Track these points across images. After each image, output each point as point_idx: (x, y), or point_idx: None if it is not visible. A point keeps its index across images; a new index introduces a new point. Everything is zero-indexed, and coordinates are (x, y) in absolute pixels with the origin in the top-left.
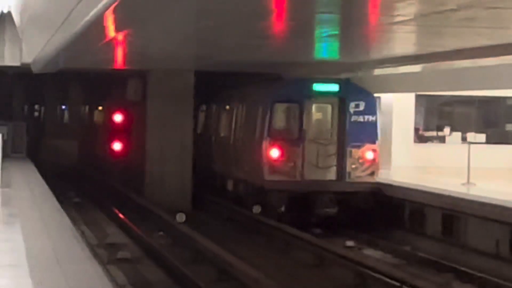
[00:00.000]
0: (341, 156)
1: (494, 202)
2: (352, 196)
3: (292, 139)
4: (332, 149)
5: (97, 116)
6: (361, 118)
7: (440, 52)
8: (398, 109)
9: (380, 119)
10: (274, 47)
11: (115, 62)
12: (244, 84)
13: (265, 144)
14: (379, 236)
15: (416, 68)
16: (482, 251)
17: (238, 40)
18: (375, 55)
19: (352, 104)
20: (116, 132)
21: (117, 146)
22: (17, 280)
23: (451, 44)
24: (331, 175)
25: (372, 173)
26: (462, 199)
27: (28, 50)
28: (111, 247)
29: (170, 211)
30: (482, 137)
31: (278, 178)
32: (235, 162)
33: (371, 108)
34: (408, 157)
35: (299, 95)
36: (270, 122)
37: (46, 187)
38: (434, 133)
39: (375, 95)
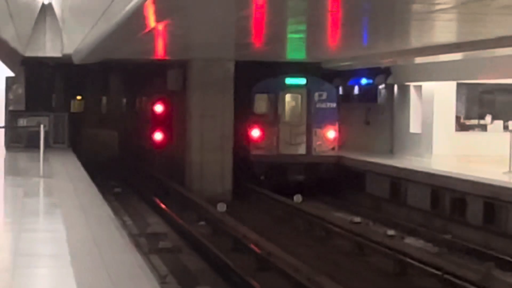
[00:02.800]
0: (309, 135)
1: None
2: (317, 166)
3: (270, 122)
4: (302, 129)
5: (138, 106)
6: (324, 105)
7: (481, 40)
8: (439, 97)
9: (421, 108)
10: (313, 38)
11: (155, 52)
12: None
13: (248, 126)
14: (421, 224)
15: (457, 56)
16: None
17: (277, 29)
18: (415, 43)
19: (317, 94)
20: (156, 122)
21: (157, 136)
22: (59, 269)
23: (491, 32)
24: (301, 150)
25: (333, 148)
26: (503, 188)
27: (69, 41)
28: (152, 237)
29: (211, 201)
30: None
31: (259, 152)
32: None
33: (332, 97)
34: (450, 146)
35: (275, 87)
36: (252, 109)
37: (87, 177)
38: (475, 122)
39: (418, 83)
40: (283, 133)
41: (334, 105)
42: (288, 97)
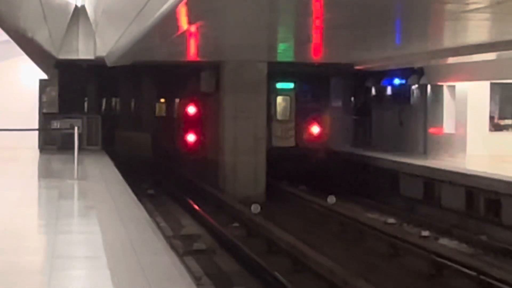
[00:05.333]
0: (297, 130)
1: None
2: (305, 156)
3: None
4: (291, 126)
5: (170, 108)
6: (309, 105)
7: None
8: (473, 97)
9: (455, 108)
10: (348, 38)
11: (188, 54)
12: None
13: None
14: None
15: (491, 56)
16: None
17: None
18: (449, 43)
19: (303, 96)
20: (189, 124)
21: (190, 137)
22: (95, 271)
23: None
24: (291, 143)
25: (318, 141)
26: None
27: (102, 44)
28: (186, 238)
29: (244, 202)
30: None
31: None
32: None
33: (316, 98)
34: (483, 146)
35: (268, 91)
36: None
37: (121, 179)
38: (509, 122)
39: (451, 83)
40: (275, 129)
41: (317, 105)
42: (279, 98)
